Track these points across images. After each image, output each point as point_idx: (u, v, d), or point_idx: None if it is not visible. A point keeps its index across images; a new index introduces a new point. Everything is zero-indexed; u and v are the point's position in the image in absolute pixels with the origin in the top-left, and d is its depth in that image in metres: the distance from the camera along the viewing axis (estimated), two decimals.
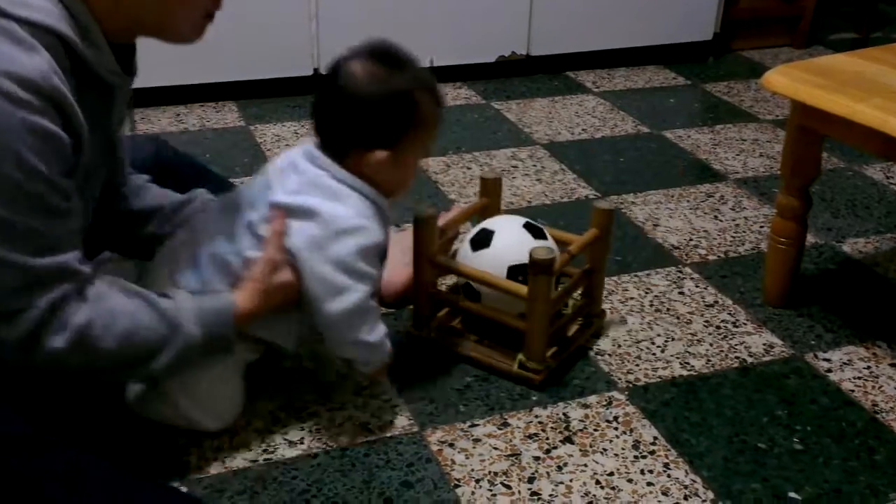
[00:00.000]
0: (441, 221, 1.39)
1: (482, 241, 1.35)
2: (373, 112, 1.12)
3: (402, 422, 1.26)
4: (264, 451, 1.19)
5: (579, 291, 1.45)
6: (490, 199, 1.51)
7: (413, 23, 2.42)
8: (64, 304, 0.96)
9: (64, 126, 0.93)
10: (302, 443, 1.21)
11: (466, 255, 1.37)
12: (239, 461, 1.17)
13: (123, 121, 1.15)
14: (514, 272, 1.31)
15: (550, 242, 1.35)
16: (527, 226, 1.37)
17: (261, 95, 2.39)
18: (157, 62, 2.23)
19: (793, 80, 1.38)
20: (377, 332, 1.18)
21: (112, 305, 1.00)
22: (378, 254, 1.16)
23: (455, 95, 2.48)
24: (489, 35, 2.53)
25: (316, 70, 2.40)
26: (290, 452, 1.19)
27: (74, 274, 0.97)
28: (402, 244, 1.49)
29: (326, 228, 1.12)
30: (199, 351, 1.07)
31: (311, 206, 1.12)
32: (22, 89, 0.88)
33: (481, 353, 1.38)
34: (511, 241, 1.33)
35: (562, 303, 1.40)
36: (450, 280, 1.50)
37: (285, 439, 1.21)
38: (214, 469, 1.16)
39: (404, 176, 1.19)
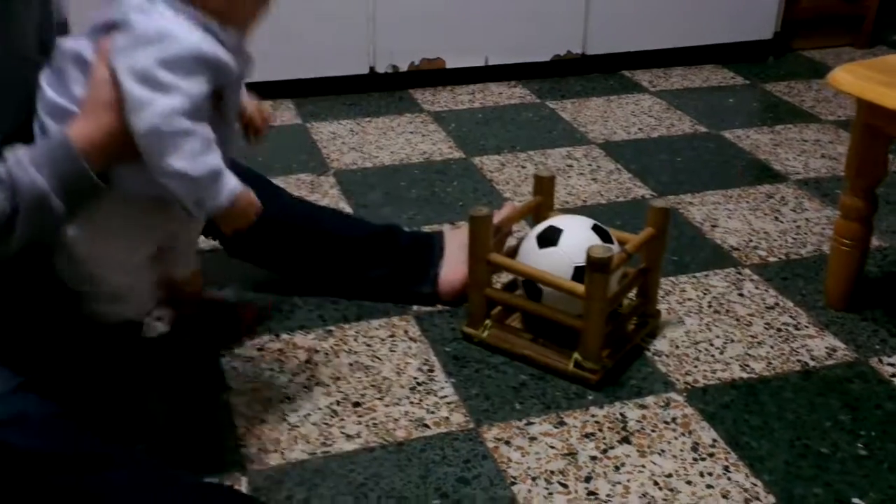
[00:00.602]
0: (496, 219, 1.39)
1: (549, 238, 1.35)
2: None
3: (458, 418, 1.26)
4: (322, 443, 1.20)
5: (634, 291, 1.44)
6: (544, 198, 1.51)
7: (468, 22, 2.43)
8: None
9: None
10: (359, 437, 1.22)
11: (532, 251, 1.36)
12: (297, 453, 1.18)
13: (49, 20, 1.07)
14: (581, 273, 1.30)
15: (616, 247, 1.34)
16: (595, 227, 1.36)
17: (317, 93, 2.41)
18: None
19: (859, 78, 1.35)
20: (201, 165, 0.99)
21: None
22: (196, 66, 0.98)
23: (510, 94, 2.48)
24: (544, 34, 2.52)
25: (372, 68, 2.42)
26: (348, 446, 1.20)
27: None
28: (458, 241, 1.50)
29: (129, 37, 0.98)
30: (57, 202, 0.96)
31: (118, 19, 0.99)
32: None
33: (536, 352, 1.37)
34: (579, 241, 1.32)
35: (618, 302, 1.39)
36: (505, 276, 1.50)
37: (343, 433, 1.22)
38: (273, 460, 1.17)
39: (234, 3, 1.02)
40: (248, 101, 1.18)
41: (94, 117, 0.99)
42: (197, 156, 0.98)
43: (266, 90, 2.52)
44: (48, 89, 1.03)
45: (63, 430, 0.97)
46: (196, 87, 0.98)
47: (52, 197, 0.96)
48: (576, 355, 1.32)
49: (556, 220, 1.39)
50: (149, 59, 0.96)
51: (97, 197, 1.01)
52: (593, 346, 1.31)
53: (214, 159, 1.00)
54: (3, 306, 1.07)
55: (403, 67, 2.44)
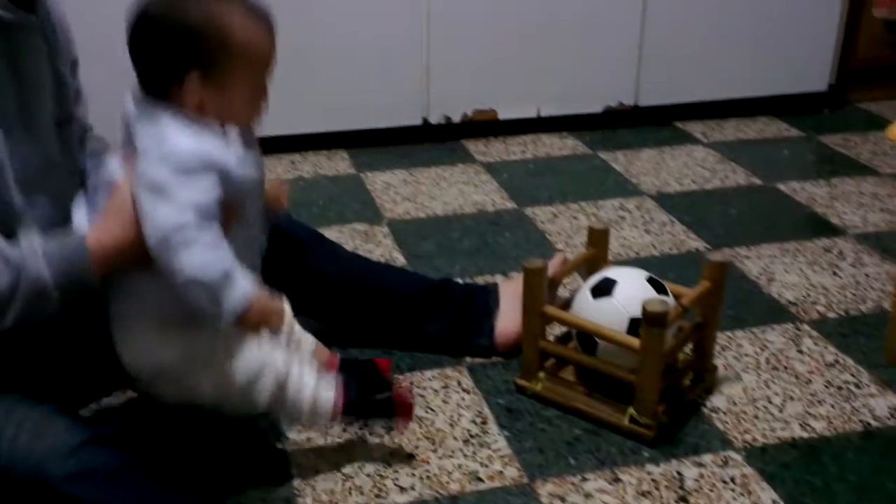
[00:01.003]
0: (549, 271, 1.39)
1: (604, 289, 1.35)
2: (168, 37, 1.02)
3: (512, 472, 1.25)
4: (376, 495, 1.20)
5: (690, 346, 1.42)
6: (598, 250, 1.50)
7: (520, 73, 2.46)
8: None
9: None
10: (413, 489, 1.21)
11: (586, 302, 1.36)
12: None
13: (59, 64, 1.12)
14: (636, 325, 1.29)
15: (671, 300, 1.33)
16: (650, 280, 1.36)
17: (371, 144, 2.45)
18: (273, 112, 2.33)
19: None
20: (211, 270, 1.00)
21: None
22: (203, 172, 1.01)
23: (561, 145, 2.49)
24: (596, 85, 2.54)
25: (425, 119, 2.45)
26: (401, 498, 1.20)
27: None
28: (512, 293, 1.50)
29: (144, 156, 1.02)
30: (55, 295, 0.99)
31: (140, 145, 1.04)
32: None
33: (590, 406, 1.36)
34: (634, 293, 1.32)
35: (673, 356, 1.37)
36: (558, 328, 1.50)
37: (396, 484, 1.22)
38: None
39: (232, 106, 1.06)
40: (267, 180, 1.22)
41: (111, 227, 1.04)
42: (207, 261, 1.00)
43: (321, 141, 2.58)
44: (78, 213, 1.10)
45: (131, 483, 0.99)
46: (204, 193, 1.00)
47: (52, 292, 0.99)
48: (631, 410, 1.31)
49: (610, 272, 1.39)
50: (158, 170, 1.00)
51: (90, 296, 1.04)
52: (649, 402, 1.29)
53: (224, 263, 1.01)
54: (76, 362, 1.10)
55: (456, 118, 2.48)
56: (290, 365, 1.13)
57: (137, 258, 1.03)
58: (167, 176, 1.00)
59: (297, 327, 1.24)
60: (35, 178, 1.06)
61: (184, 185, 1.00)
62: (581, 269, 1.53)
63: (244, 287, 1.03)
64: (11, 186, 1.03)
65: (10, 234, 1.03)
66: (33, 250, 0.99)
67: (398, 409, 1.20)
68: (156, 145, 1.02)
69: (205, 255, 1.00)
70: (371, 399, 1.19)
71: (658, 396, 1.30)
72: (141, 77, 1.06)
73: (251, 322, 1.05)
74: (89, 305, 1.08)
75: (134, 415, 1.33)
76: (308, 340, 1.24)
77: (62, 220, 1.10)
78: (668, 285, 1.38)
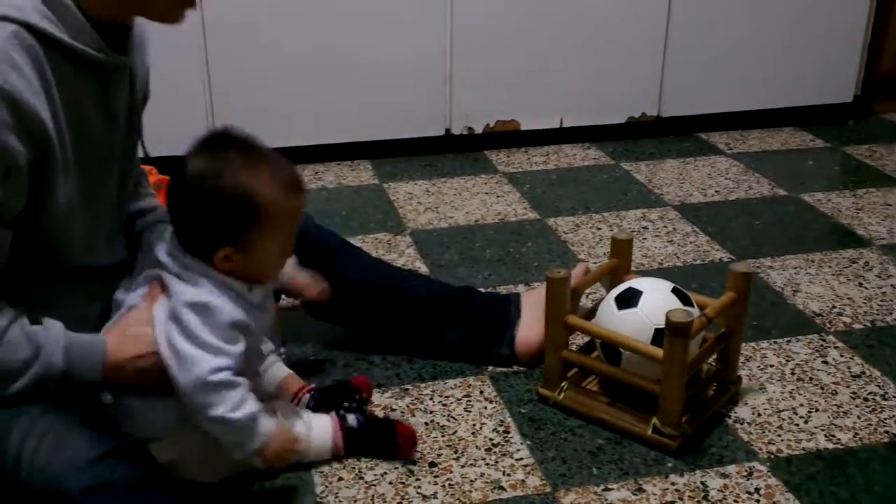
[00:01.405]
0: (572, 281, 1.38)
1: (628, 299, 1.34)
2: (201, 214, 1.09)
3: (535, 481, 1.25)
4: (398, 503, 1.20)
5: (714, 356, 1.41)
6: (621, 260, 1.50)
7: (543, 84, 2.46)
8: None
9: (17, 126, 0.95)
10: (435, 497, 1.21)
11: (610, 312, 1.36)
12: None
13: (136, 101, 1.17)
14: (660, 336, 1.28)
15: (696, 311, 1.33)
16: (675, 290, 1.35)
17: (394, 154, 2.46)
18: (297, 123, 2.36)
19: None
20: (240, 412, 1.09)
21: None
22: (234, 331, 1.11)
23: (584, 156, 2.49)
24: (619, 96, 2.54)
25: (447, 130, 2.46)
26: None
27: None
28: (534, 302, 1.50)
29: (179, 302, 1.10)
30: (60, 382, 1.04)
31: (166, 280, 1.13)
32: None
33: (614, 416, 1.36)
34: (659, 304, 1.31)
35: (697, 367, 1.36)
36: (581, 337, 1.49)
37: (419, 493, 1.22)
38: None
39: (260, 268, 1.14)
40: (303, 278, 1.35)
41: (127, 348, 1.09)
42: (237, 405, 1.09)
43: (344, 151, 2.60)
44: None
45: (148, 497, 1.00)
46: (235, 348, 1.11)
47: (57, 381, 1.04)
48: (654, 420, 1.30)
49: (634, 282, 1.39)
50: (198, 326, 1.09)
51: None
52: (673, 412, 1.29)
53: (252, 407, 1.11)
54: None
55: (479, 129, 2.48)
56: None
57: (140, 382, 1.10)
58: (208, 332, 1.09)
59: (270, 358, 1.32)
60: (102, 208, 1.13)
61: (223, 342, 1.10)
62: (604, 279, 1.53)
63: (266, 429, 1.13)
64: (75, 229, 1.09)
65: (51, 272, 1.10)
66: (56, 339, 1.05)
67: (400, 434, 1.27)
68: (193, 300, 1.10)
69: (236, 400, 1.09)
70: (371, 429, 1.29)
71: (682, 407, 1.29)
72: (178, 233, 1.14)
73: (267, 458, 1.15)
74: None
75: None
76: (278, 374, 1.32)
77: (103, 233, 1.15)
78: (692, 296, 1.37)
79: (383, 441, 1.27)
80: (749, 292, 1.39)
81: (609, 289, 1.44)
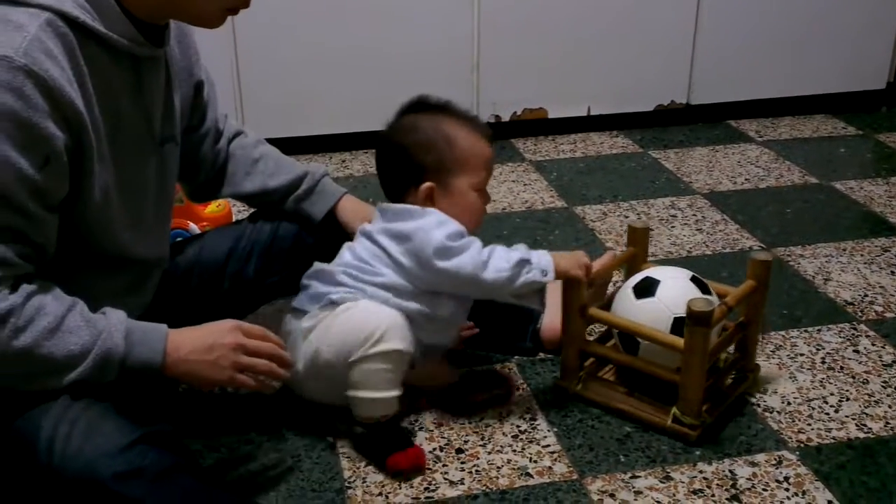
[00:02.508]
0: (596, 266, 1.36)
1: (647, 289, 1.34)
2: (405, 152, 1.28)
3: (562, 468, 1.25)
4: (426, 488, 1.21)
5: (733, 345, 1.40)
6: (638, 249, 1.48)
7: (571, 72, 2.45)
8: None
9: (52, 112, 0.95)
10: (462, 483, 1.22)
11: (628, 301, 1.35)
12: (401, 497, 1.19)
13: (172, 91, 1.17)
14: (680, 324, 1.28)
15: (715, 299, 1.32)
16: (694, 279, 1.34)
17: None
18: (324, 112, 2.37)
19: None
20: (506, 263, 1.24)
21: (41, 303, 0.99)
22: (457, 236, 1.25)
23: (611, 144, 2.48)
24: (648, 84, 2.52)
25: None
26: (451, 492, 1.20)
27: (9, 266, 0.98)
28: (560, 290, 1.49)
29: (415, 239, 1.24)
30: (118, 369, 1.03)
31: (401, 230, 1.26)
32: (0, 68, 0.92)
33: (633, 406, 1.34)
34: (678, 293, 1.30)
35: (716, 356, 1.35)
36: (599, 326, 1.48)
37: (446, 478, 1.23)
38: None
39: (461, 205, 1.28)
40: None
41: (194, 341, 1.08)
42: (499, 264, 1.24)
43: (371, 139, 2.60)
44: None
45: (179, 483, 1.01)
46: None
47: (117, 368, 1.03)
48: (674, 410, 1.29)
49: (652, 272, 1.38)
50: (438, 240, 1.23)
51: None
52: (693, 402, 1.27)
53: (504, 252, 1.26)
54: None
55: (506, 117, 2.48)
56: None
57: (191, 378, 1.09)
58: (444, 241, 1.23)
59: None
60: (137, 197, 1.15)
61: (456, 243, 1.25)
62: (621, 268, 1.51)
63: (540, 259, 1.26)
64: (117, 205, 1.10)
65: (104, 255, 1.12)
66: (117, 323, 1.04)
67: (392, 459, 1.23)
68: (432, 222, 1.25)
69: (500, 262, 1.25)
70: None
71: (702, 396, 1.28)
72: (385, 187, 1.32)
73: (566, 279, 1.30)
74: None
75: (186, 410, 1.36)
76: None
77: (139, 222, 1.16)
78: (711, 284, 1.36)
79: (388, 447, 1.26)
80: (769, 280, 1.37)
81: (626, 278, 1.43)
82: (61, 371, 1.00)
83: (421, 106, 1.33)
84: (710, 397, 1.33)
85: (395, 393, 1.22)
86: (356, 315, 1.21)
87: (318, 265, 1.32)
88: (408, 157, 1.28)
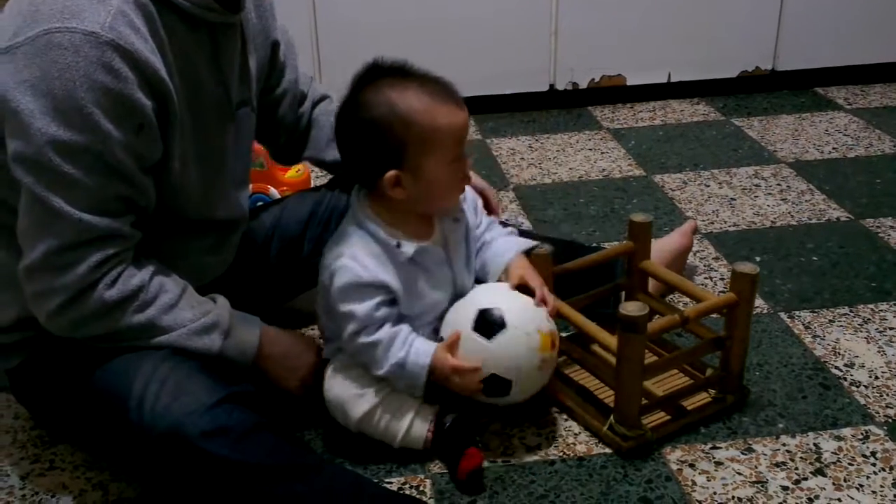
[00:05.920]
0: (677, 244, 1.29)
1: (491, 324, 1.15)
2: (358, 138, 1.13)
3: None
4: (503, 453, 1.21)
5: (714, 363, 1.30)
6: (639, 245, 1.36)
7: (651, 37, 2.40)
8: (116, 263, 1.03)
9: (140, 82, 0.97)
10: (539, 448, 1.22)
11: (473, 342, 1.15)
12: None
13: (247, 57, 1.18)
14: (482, 317, 1.14)
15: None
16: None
17: (497, 110, 2.45)
18: None
19: None
20: (386, 366, 1.13)
21: (163, 281, 1.08)
22: (368, 290, 1.12)
23: (692, 111, 2.42)
24: (732, 49, 2.45)
25: (552, 86, 2.43)
26: (528, 457, 1.20)
27: (127, 238, 1.04)
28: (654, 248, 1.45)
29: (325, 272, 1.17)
30: (220, 347, 1.10)
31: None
32: (88, 44, 0.94)
33: (577, 405, 1.27)
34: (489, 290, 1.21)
35: (671, 368, 1.30)
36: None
37: (523, 443, 1.23)
38: None
39: (434, 187, 1.13)
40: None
41: (287, 340, 1.20)
42: (381, 361, 1.14)
43: None
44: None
45: (262, 441, 1.03)
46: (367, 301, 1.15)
47: (219, 342, 1.11)
48: (612, 418, 1.20)
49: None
50: (332, 296, 1.15)
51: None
52: (627, 413, 1.18)
53: (395, 356, 1.14)
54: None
55: (583, 84, 2.44)
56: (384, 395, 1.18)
57: (267, 371, 1.17)
58: (335, 299, 1.16)
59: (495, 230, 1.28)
60: (215, 161, 1.17)
61: (347, 305, 1.14)
62: (620, 262, 1.42)
63: (414, 366, 1.14)
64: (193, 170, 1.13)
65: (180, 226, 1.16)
66: (224, 304, 1.14)
67: (464, 460, 1.15)
68: (331, 264, 1.16)
69: (383, 360, 1.14)
70: (452, 442, 1.18)
71: (638, 408, 1.19)
72: (348, 170, 1.19)
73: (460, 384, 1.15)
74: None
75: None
76: (503, 255, 1.24)
77: (217, 186, 1.19)
78: (695, 289, 1.29)
79: (449, 456, 1.19)
80: (754, 295, 1.22)
81: (627, 277, 1.38)
82: (171, 339, 1.08)
83: (374, 73, 1.14)
84: (674, 411, 1.25)
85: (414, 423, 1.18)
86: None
87: None
88: (362, 143, 1.12)
